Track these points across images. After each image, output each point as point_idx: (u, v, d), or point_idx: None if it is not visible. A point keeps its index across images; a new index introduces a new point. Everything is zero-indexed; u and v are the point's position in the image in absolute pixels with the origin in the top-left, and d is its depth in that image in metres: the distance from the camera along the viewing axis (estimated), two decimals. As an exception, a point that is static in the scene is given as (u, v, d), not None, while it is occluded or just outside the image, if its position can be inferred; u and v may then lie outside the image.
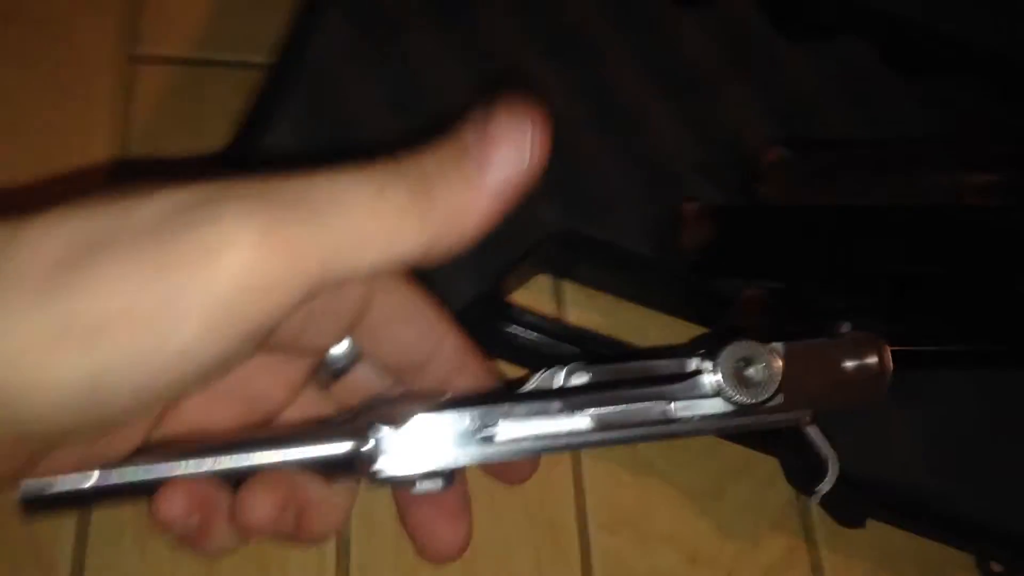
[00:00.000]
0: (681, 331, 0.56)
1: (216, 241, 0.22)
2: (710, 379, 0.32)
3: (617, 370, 0.32)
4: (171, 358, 0.23)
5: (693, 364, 0.32)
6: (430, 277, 0.33)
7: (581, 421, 0.31)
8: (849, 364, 0.33)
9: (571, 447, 0.31)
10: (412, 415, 0.30)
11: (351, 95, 0.56)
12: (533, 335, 0.52)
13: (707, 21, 0.62)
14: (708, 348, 0.32)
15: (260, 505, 0.28)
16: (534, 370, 0.32)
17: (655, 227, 0.55)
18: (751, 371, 0.32)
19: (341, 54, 0.56)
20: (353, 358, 0.33)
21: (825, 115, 0.62)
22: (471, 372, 0.34)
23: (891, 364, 0.34)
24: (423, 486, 0.30)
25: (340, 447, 0.30)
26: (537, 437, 0.30)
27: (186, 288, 0.22)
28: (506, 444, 0.30)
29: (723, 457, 0.54)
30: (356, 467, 0.30)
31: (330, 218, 0.23)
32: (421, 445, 0.30)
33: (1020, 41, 0.64)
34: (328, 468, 0.30)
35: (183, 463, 0.28)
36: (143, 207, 0.23)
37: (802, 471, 0.54)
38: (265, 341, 0.25)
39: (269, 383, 0.32)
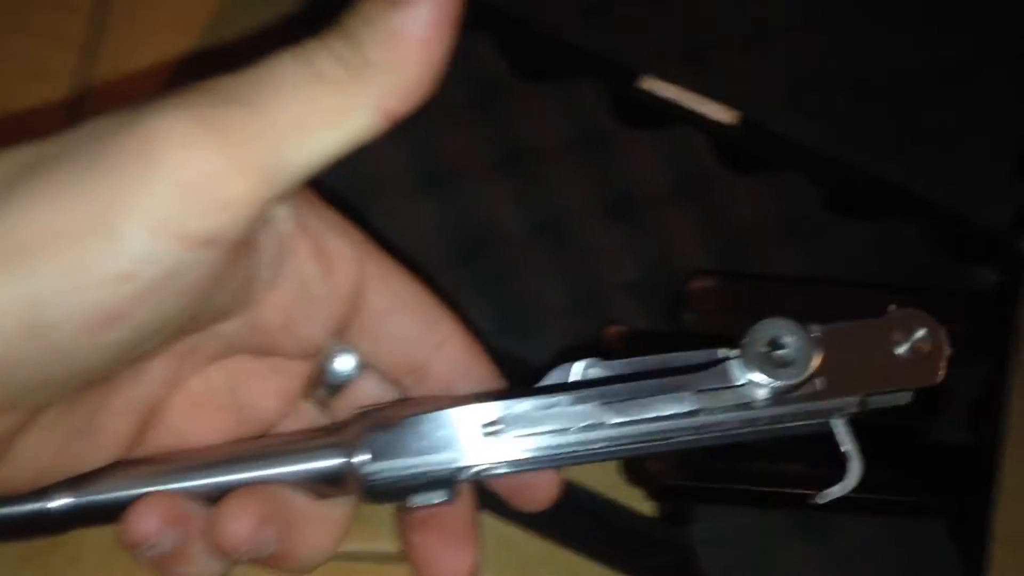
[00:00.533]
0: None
1: (149, 140, 0.21)
2: (739, 365, 0.27)
3: (636, 363, 0.28)
4: (116, 274, 0.21)
5: (719, 353, 0.28)
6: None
7: (597, 415, 0.27)
8: (898, 343, 0.29)
9: (588, 455, 0.27)
10: (407, 416, 0.27)
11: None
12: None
13: (656, 143, 0.63)
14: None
15: (237, 519, 0.26)
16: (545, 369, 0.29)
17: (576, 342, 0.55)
18: (783, 351, 0.27)
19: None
20: (352, 370, 0.30)
21: (762, 248, 0.63)
22: (476, 375, 0.30)
23: (946, 340, 0.29)
24: (421, 498, 0.27)
25: (328, 458, 0.27)
26: (551, 437, 0.27)
27: (122, 194, 0.21)
28: (514, 443, 0.27)
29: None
30: (347, 480, 0.27)
31: (272, 105, 0.22)
32: (418, 450, 0.27)
33: (953, 192, 0.66)
34: (318, 483, 0.27)
35: (160, 478, 0.26)
36: (80, 130, 0.22)
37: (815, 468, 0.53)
38: (235, 268, 0.24)
39: (260, 391, 0.29)
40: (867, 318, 0.29)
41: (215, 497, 0.26)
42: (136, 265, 0.21)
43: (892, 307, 0.29)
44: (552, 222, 0.59)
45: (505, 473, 0.28)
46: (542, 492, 0.30)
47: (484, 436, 0.27)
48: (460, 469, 0.27)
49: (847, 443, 0.30)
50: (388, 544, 0.53)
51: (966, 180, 0.67)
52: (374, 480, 0.27)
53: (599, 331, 0.55)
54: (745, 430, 0.28)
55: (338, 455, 0.27)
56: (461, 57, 0.64)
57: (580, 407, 0.27)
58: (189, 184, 0.21)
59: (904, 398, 0.29)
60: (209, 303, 0.24)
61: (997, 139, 0.68)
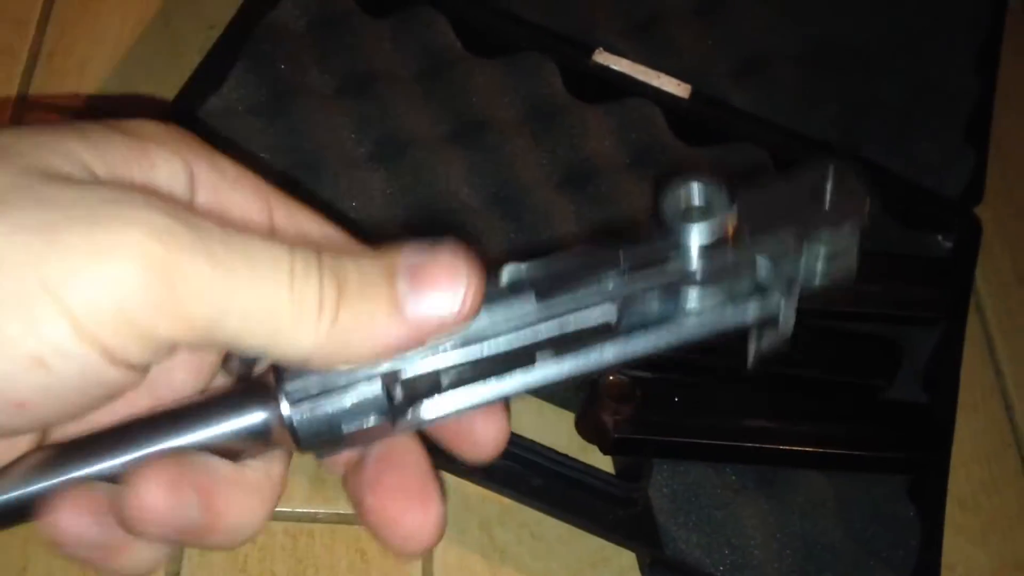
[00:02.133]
0: (554, 416, 0.57)
1: (114, 239, 0.21)
2: (662, 235, 0.25)
3: (562, 258, 0.26)
4: (29, 356, 0.21)
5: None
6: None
7: (529, 315, 0.25)
8: (817, 194, 0.27)
9: (524, 359, 0.25)
10: None
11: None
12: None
13: (609, 116, 0.64)
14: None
15: (147, 491, 0.23)
16: None
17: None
18: (701, 207, 0.26)
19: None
20: None
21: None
22: (306, 228, 0.28)
23: (863, 185, 0.27)
24: (355, 423, 0.25)
25: (246, 412, 0.25)
26: (485, 346, 0.25)
27: (64, 280, 0.20)
28: (446, 356, 0.25)
29: (580, 548, 0.54)
30: (272, 432, 0.25)
31: (238, 280, 0.22)
32: (340, 379, 0.25)
33: (906, 160, 0.67)
34: (241, 441, 0.25)
35: (69, 465, 0.24)
36: (56, 185, 0.21)
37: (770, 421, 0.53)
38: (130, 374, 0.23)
39: (171, 369, 0.27)
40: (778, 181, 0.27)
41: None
42: (51, 356, 0.21)
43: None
44: (506, 193, 0.60)
45: (446, 408, 0.26)
46: (488, 438, 0.28)
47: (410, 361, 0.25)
48: (389, 377, 0.25)
49: (778, 292, 0.26)
50: (348, 505, 0.53)
51: (918, 149, 0.68)
52: (301, 422, 0.25)
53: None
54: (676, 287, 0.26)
55: (256, 407, 0.25)
56: (414, 31, 0.66)
57: (512, 310, 0.25)
58: (128, 307, 0.21)
59: (846, 241, 0.26)
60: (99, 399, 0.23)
61: (948, 108, 0.70)
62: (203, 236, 0.22)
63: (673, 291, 0.26)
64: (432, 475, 0.27)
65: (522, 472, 0.52)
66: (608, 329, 0.26)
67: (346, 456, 0.27)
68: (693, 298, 0.26)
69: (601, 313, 0.26)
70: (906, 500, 0.57)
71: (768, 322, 0.26)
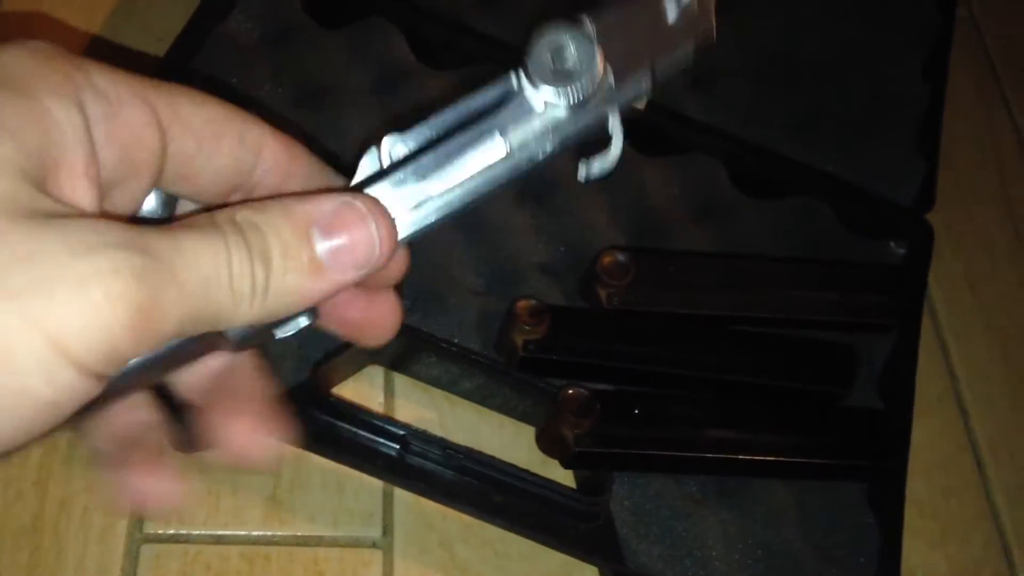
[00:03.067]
0: (514, 430, 0.56)
1: (103, 295, 0.22)
2: (532, 91, 0.27)
3: (437, 123, 0.28)
4: (45, 401, 0.22)
5: (511, 83, 0.28)
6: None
7: (419, 191, 0.27)
8: (667, 10, 0.28)
9: (422, 231, 0.27)
10: None
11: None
12: (352, 429, 0.51)
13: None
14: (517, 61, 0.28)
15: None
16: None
17: (489, 324, 0.56)
18: (567, 63, 0.27)
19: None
20: (157, 207, 0.28)
21: (674, 228, 0.64)
22: (301, 172, 0.30)
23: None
24: (290, 326, 0.27)
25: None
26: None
27: (57, 334, 0.22)
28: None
29: (543, 564, 0.53)
30: (206, 337, 0.26)
31: (193, 293, 0.24)
32: None
33: (859, 169, 0.67)
34: (183, 351, 0.27)
35: None
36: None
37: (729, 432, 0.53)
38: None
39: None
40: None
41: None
42: (64, 397, 0.23)
43: None
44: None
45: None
46: (383, 321, 0.31)
47: None
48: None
49: (615, 125, 0.28)
50: (305, 527, 0.52)
51: (870, 157, 0.69)
52: (229, 333, 0.26)
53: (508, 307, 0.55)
54: (558, 146, 0.28)
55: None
56: (368, 44, 0.65)
57: (402, 188, 0.27)
58: (117, 341, 0.22)
59: (688, 59, 0.29)
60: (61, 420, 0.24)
61: (898, 117, 0.70)
62: (165, 263, 0.23)
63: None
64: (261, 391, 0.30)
65: (482, 489, 0.51)
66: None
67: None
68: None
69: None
70: (865, 507, 0.57)
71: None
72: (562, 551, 0.52)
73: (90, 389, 0.23)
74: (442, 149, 0.27)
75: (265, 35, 0.62)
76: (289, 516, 0.52)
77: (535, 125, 0.27)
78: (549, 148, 0.28)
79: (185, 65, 0.58)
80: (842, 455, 0.57)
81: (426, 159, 0.27)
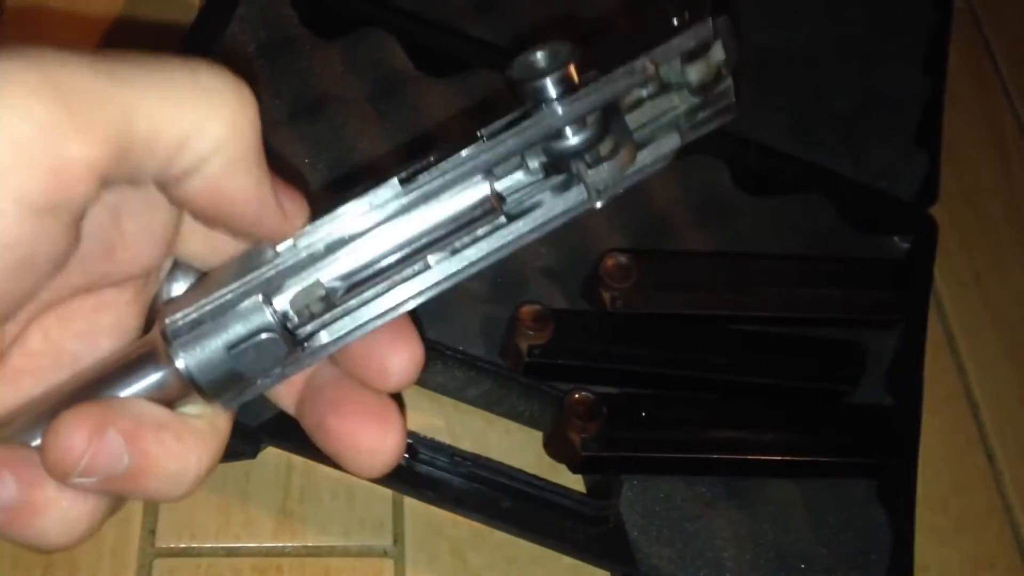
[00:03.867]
0: (521, 436, 0.56)
1: None
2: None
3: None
4: None
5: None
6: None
7: (401, 200, 0.24)
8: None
9: (436, 280, 0.25)
10: (206, 293, 0.24)
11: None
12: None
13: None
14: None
15: (67, 432, 0.22)
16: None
17: (494, 329, 0.55)
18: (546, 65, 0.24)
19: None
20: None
21: (677, 229, 0.63)
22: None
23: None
24: (273, 376, 0.25)
25: (144, 368, 0.24)
26: (365, 250, 0.24)
27: None
28: (333, 266, 0.24)
29: (554, 569, 0.53)
30: (174, 388, 0.24)
31: (134, 80, 0.21)
32: (225, 316, 0.24)
33: (860, 165, 0.67)
34: (151, 395, 0.24)
35: None
36: None
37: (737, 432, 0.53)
38: (72, 241, 0.21)
39: (89, 335, 0.26)
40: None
41: None
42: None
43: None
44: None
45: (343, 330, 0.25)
46: (400, 364, 0.27)
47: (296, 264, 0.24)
48: (279, 316, 0.24)
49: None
50: (316, 538, 0.52)
51: (871, 153, 0.69)
52: (194, 372, 0.24)
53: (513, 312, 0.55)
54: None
55: (150, 367, 0.24)
56: (365, 53, 0.65)
57: (377, 197, 0.24)
58: (25, 140, 0.19)
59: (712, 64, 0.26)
60: (39, 277, 0.22)
61: (898, 111, 0.70)
62: (83, 57, 0.21)
63: (542, 148, 0.25)
64: (392, 406, 0.27)
65: (492, 495, 0.51)
66: (487, 204, 0.25)
67: (297, 387, 0.27)
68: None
69: (474, 189, 0.25)
70: (876, 504, 0.57)
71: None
72: (573, 556, 0.51)
73: (26, 226, 0.20)
74: (421, 177, 0.25)
75: (262, 47, 0.62)
76: (300, 527, 0.52)
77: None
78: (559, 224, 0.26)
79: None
80: (851, 453, 0.57)
81: (402, 181, 0.25)
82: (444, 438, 0.52)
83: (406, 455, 0.51)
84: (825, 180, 0.66)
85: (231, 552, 0.51)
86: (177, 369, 0.24)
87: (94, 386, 0.24)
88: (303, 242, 0.25)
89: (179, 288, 0.27)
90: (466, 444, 0.52)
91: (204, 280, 0.26)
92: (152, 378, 0.24)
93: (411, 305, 0.26)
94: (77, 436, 0.23)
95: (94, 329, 0.26)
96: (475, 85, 0.63)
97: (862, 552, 0.55)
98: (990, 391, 0.67)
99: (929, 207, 0.67)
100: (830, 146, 0.68)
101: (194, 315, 0.24)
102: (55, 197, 0.20)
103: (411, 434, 0.51)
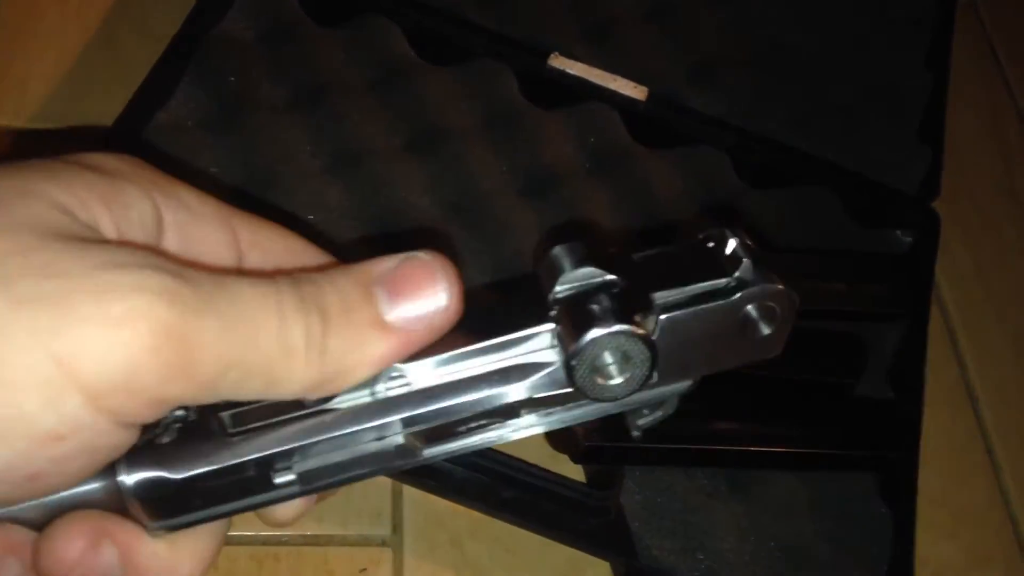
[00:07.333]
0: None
1: (125, 313, 0.20)
2: (559, 369, 0.24)
3: (446, 363, 0.25)
4: (47, 433, 0.20)
5: (548, 353, 0.25)
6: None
7: (400, 440, 0.25)
8: (743, 322, 0.26)
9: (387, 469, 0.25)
10: (185, 476, 0.24)
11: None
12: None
13: (568, 121, 0.64)
14: (561, 327, 0.24)
15: (63, 541, 0.23)
16: None
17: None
18: (612, 365, 0.24)
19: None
20: None
21: (679, 221, 0.63)
22: (272, 247, 0.28)
23: (794, 313, 0.26)
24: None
25: (89, 483, 0.24)
26: (341, 465, 0.25)
27: (78, 353, 0.20)
28: (300, 483, 0.25)
29: (554, 560, 0.53)
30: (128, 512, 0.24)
31: (237, 338, 0.22)
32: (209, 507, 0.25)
33: (863, 158, 0.67)
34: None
35: None
36: (37, 251, 0.21)
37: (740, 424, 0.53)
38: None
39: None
40: (710, 292, 0.25)
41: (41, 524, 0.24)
42: (67, 429, 0.20)
43: (741, 270, 0.25)
44: (466, 203, 0.59)
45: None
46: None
47: (275, 478, 0.25)
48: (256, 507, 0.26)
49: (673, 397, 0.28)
50: (314, 527, 0.52)
51: (873, 147, 0.68)
52: (159, 526, 0.24)
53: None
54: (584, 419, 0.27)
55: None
56: (367, 41, 0.65)
57: (379, 438, 0.25)
58: (141, 373, 0.20)
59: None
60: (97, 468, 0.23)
61: (901, 105, 0.70)
62: (204, 292, 0.21)
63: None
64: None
65: (492, 485, 0.51)
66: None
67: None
68: None
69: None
70: (877, 497, 0.57)
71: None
72: (573, 546, 0.51)
73: (108, 430, 0.21)
74: (444, 398, 0.25)
75: (262, 34, 0.62)
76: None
77: (566, 409, 0.26)
78: (572, 422, 0.27)
79: (183, 63, 0.57)
80: (853, 446, 0.57)
81: (425, 404, 0.25)
82: (444, 427, 0.52)
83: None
84: (827, 174, 0.66)
85: (228, 541, 0.50)
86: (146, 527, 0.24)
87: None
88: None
89: None
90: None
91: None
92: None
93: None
94: (73, 545, 0.23)
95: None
96: (477, 73, 0.63)
97: (863, 544, 0.55)
98: (990, 385, 0.67)
99: (931, 201, 0.67)
100: (833, 139, 0.67)
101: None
102: (140, 417, 0.22)
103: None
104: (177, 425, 0.25)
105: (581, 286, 0.25)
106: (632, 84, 0.64)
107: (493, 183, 0.60)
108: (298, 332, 0.22)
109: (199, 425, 0.25)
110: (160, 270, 0.21)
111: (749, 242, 0.26)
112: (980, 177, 0.76)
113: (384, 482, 0.53)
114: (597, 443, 0.51)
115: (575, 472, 0.53)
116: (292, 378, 0.23)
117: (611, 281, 0.24)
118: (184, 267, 0.22)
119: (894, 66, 0.71)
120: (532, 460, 0.51)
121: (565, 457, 0.53)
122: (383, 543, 0.52)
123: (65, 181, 0.22)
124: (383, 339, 0.23)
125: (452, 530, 0.53)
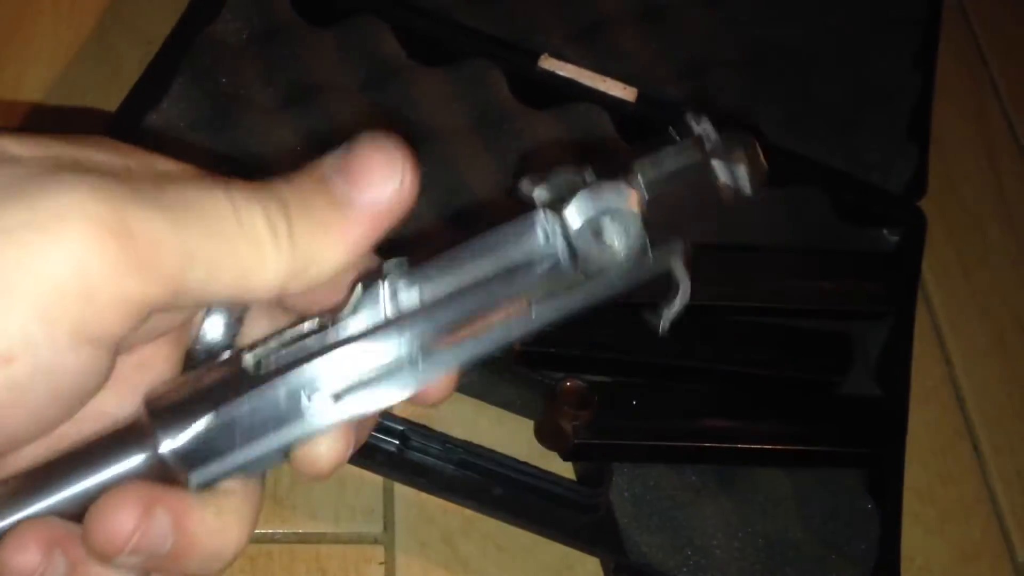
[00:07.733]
0: (513, 423, 0.56)
1: (54, 215, 0.19)
2: (563, 249, 0.25)
3: (448, 268, 0.25)
4: None
5: (538, 237, 0.25)
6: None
7: (422, 347, 0.24)
8: (719, 177, 0.26)
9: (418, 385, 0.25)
10: (211, 403, 0.24)
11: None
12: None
13: (557, 121, 0.64)
14: (550, 200, 0.25)
15: (115, 513, 0.22)
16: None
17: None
18: (608, 231, 0.25)
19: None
20: (224, 333, 0.27)
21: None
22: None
23: (765, 162, 0.27)
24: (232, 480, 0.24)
25: (127, 458, 0.24)
26: (367, 382, 0.24)
27: (16, 267, 0.19)
28: (347, 404, 0.24)
29: (544, 557, 0.53)
30: (170, 475, 0.24)
31: (192, 231, 0.21)
32: (240, 434, 0.24)
33: (851, 158, 0.68)
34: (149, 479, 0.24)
35: (16, 501, 0.23)
36: None
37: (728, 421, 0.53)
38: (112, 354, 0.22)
39: (130, 395, 0.25)
40: (686, 153, 0.26)
41: (77, 513, 0.23)
42: (17, 347, 0.19)
43: (703, 126, 0.26)
44: (456, 202, 0.59)
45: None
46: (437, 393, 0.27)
47: (306, 404, 0.24)
48: (293, 443, 0.25)
49: (678, 268, 0.27)
50: (306, 524, 0.52)
51: (861, 147, 0.69)
52: (201, 478, 0.24)
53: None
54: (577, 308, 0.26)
55: (134, 451, 0.24)
56: (358, 41, 0.65)
57: (407, 340, 0.24)
58: (89, 274, 0.20)
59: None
60: (74, 407, 0.22)
61: (888, 105, 0.71)
62: (143, 188, 0.21)
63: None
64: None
65: (483, 482, 0.51)
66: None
67: None
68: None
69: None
70: (864, 494, 0.57)
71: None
72: (563, 543, 0.52)
73: (68, 345, 0.20)
74: (456, 305, 0.25)
75: (254, 34, 0.62)
76: (290, 514, 0.52)
77: (566, 293, 0.25)
78: (578, 308, 0.26)
79: (175, 64, 0.58)
80: (840, 442, 0.57)
81: (439, 313, 0.25)
82: (435, 425, 0.52)
83: (396, 441, 0.51)
84: (815, 172, 0.66)
85: (222, 539, 0.51)
86: (175, 465, 0.24)
87: (79, 469, 0.24)
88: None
89: (213, 329, 0.27)
90: (457, 431, 0.52)
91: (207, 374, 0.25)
92: (129, 464, 0.24)
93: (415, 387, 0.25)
94: (126, 516, 0.22)
95: (135, 390, 0.25)
96: (467, 74, 0.63)
97: (850, 541, 0.55)
98: (976, 382, 0.67)
99: (918, 200, 0.68)
100: (820, 139, 0.68)
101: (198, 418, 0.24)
102: (107, 330, 0.21)
103: (403, 421, 0.51)
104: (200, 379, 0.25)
105: (564, 179, 0.25)
106: (622, 85, 0.64)
107: (483, 183, 0.61)
108: (259, 220, 0.22)
109: (222, 366, 0.25)
110: (90, 171, 0.21)
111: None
112: (966, 176, 0.77)
113: (376, 480, 0.54)
114: (587, 440, 0.52)
115: (565, 469, 0.54)
116: (265, 266, 0.22)
117: (590, 171, 0.26)
118: (122, 169, 0.22)
119: (882, 66, 0.72)
120: (522, 457, 0.52)
121: (555, 455, 0.54)
122: (375, 541, 0.52)
123: (24, 139, 0.22)
124: (348, 221, 0.23)
125: (444, 527, 0.53)
